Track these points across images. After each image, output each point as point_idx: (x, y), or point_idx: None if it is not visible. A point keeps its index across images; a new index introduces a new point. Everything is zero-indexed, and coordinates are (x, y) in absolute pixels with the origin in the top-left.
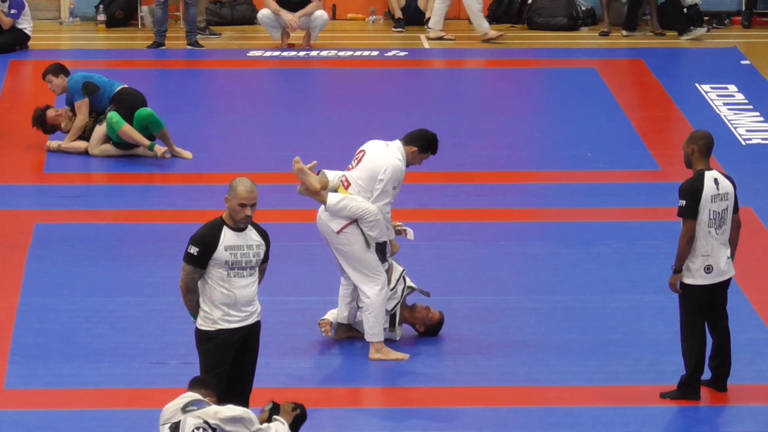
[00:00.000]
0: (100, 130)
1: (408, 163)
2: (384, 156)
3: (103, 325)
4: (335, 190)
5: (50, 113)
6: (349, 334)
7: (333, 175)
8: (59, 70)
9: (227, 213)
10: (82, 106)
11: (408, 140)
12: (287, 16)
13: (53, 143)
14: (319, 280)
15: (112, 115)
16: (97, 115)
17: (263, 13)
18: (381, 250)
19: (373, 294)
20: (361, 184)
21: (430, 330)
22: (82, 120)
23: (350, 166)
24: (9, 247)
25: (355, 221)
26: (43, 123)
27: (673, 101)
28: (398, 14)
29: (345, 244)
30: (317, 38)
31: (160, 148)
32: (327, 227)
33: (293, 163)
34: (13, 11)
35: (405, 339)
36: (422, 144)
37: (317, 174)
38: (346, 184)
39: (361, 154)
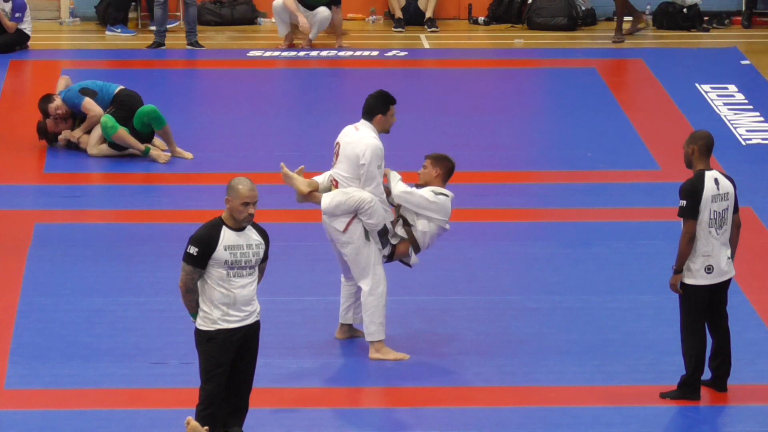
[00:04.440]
0: (97, 131)
1: (384, 131)
2: (358, 140)
3: (103, 325)
4: (328, 191)
5: (50, 123)
6: (351, 334)
7: (321, 179)
8: (46, 99)
9: (227, 213)
10: (88, 104)
11: (369, 115)
12: (302, 19)
13: (64, 136)
14: (319, 280)
15: (108, 120)
16: None
17: (278, 3)
18: (383, 233)
19: (367, 291)
20: (346, 176)
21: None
22: (97, 114)
23: (333, 162)
24: (9, 247)
25: (355, 215)
26: (46, 134)
27: (673, 101)
28: (398, 14)
29: (349, 241)
30: (316, 36)
31: (159, 153)
32: (332, 228)
33: (281, 168)
34: (17, 14)
35: (405, 339)
36: (381, 105)
37: None
38: (335, 183)
39: (337, 147)
